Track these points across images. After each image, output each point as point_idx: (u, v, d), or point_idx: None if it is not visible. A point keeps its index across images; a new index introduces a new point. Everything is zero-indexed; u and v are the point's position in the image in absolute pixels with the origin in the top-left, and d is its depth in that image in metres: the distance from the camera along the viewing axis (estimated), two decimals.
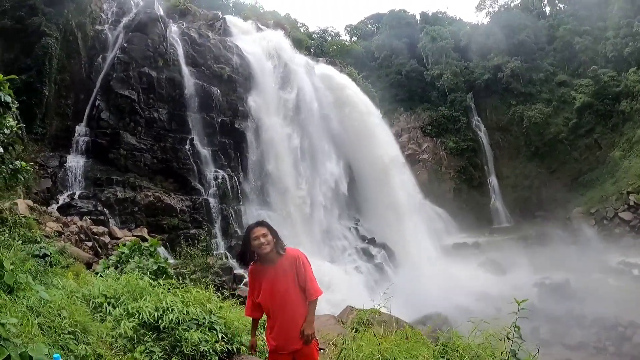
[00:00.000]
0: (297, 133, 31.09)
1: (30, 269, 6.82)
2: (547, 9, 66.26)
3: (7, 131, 6.63)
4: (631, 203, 39.07)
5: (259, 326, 7.14)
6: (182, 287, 7.44)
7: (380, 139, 38.30)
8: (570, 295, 25.47)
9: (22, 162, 7.50)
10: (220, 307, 7.17)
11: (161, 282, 7.63)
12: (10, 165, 7.02)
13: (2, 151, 6.71)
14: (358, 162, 36.30)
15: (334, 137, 34.33)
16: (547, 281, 27.84)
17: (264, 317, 4.68)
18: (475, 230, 46.16)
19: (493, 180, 54.68)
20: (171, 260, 18.93)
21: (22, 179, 7.56)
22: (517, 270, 30.96)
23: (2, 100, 6.26)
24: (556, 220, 43.77)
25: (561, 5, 64.38)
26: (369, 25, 76.58)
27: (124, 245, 10.87)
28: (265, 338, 4.80)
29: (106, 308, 6.33)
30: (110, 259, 10.25)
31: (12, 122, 6.77)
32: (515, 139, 54.98)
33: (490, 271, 31.76)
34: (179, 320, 6.17)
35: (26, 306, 4.93)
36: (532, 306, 22.03)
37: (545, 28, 60.27)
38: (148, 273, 8.73)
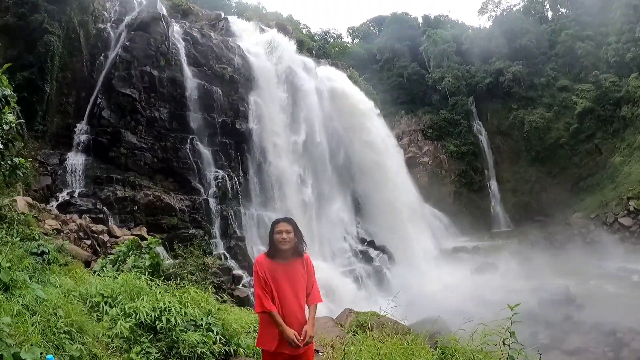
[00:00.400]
0: (308, 177, 30.51)
1: (27, 267, 6.78)
2: (550, 14, 66.28)
3: (6, 127, 6.58)
4: (631, 209, 38.96)
5: (251, 330, 7.07)
6: (180, 288, 7.40)
7: (397, 183, 37.88)
8: (569, 300, 25.35)
9: (21, 159, 7.46)
10: (219, 308, 7.13)
11: (159, 282, 7.59)
12: (9, 162, 6.97)
13: (2, 147, 6.66)
14: (367, 199, 35.84)
15: (341, 173, 34.01)
16: (547, 286, 27.74)
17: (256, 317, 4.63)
18: (475, 234, 46.09)
19: (493, 184, 54.63)
20: (169, 260, 18.91)
21: (21, 175, 7.52)
22: (517, 275, 30.87)
23: (2, 94, 6.21)
24: (556, 225, 43.71)
25: (563, 10, 64.39)
26: (371, 28, 76.73)
27: (123, 243, 10.84)
28: (257, 337, 4.72)
29: (103, 307, 6.29)
30: (109, 257, 10.21)
31: (12, 118, 6.72)
32: (516, 143, 54.96)
33: (490, 275, 31.68)
34: (176, 321, 6.12)
35: (22, 304, 4.89)
36: (531, 311, 22.09)
37: (547, 33, 60.31)
38: (145, 272, 8.70)
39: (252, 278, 4.64)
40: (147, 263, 9.10)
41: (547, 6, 66.97)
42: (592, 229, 40.20)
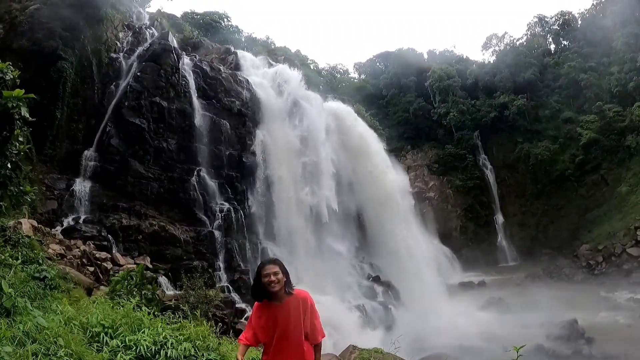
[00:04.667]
0: (314, 211, 30.30)
1: (29, 291, 6.72)
2: (552, 47, 67.37)
3: (15, 151, 6.62)
4: (639, 238, 38.46)
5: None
6: (182, 321, 7.32)
7: (403, 217, 37.74)
8: (578, 334, 24.74)
9: (28, 186, 7.47)
10: (219, 343, 7.03)
11: (160, 314, 7.51)
12: (16, 189, 6.97)
13: (10, 174, 6.66)
14: (373, 234, 35.91)
15: (347, 208, 34.04)
16: (555, 320, 27.15)
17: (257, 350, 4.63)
18: (482, 269, 45.58)
19: (499, 218, 54.34)
20: (172, 291, 18.73)
21: (28, 199, 7.53)
22: (524, 309, 30.25)
23: (22, 115, 6.24)
24: (564, 258, 43.24)
25: (566, 43, 65.43)
26: (378, 64, 77.91)
27: (125, 272, 10.74)
28: None
29: (103, 338, 6.17)
30: (113, 286, 10.11)
31: (21, 140, 6.76)
32: (522, 176, 54.95)
33: (497, 310, 31.07)
34: (176, 356, 6.02)
35: (22, 331, 4.82)
36: (539, 346, 21.51)
37: (550, 66, 61.19)
38: (148, 303, 8.60)
39: None
40: (149, 295, 9.00)
41: (550, 39, 68.16)
42: (600, 260, 39.65)
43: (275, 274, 4.36)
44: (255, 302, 4.55)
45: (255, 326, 4.47)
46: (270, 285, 4.32)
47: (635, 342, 22.55)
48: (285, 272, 4.47)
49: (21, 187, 7.34)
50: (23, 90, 6.47)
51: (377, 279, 32.15)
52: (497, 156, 57.85)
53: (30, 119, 6.63)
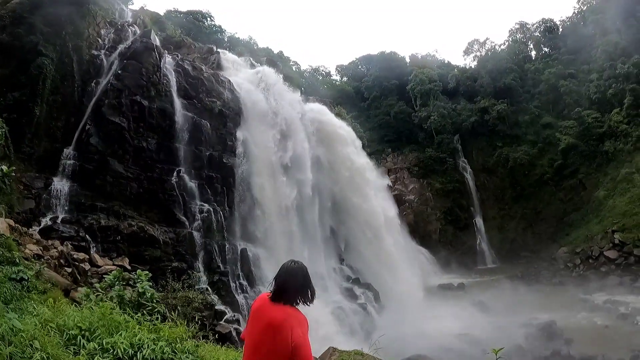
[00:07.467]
0: (293, 213, 30.20)
1: (4, 293, 6.59)
2: (533, 53, 68.71)
3: None
4: (616, 241, 39.40)
5: None
6: (160, 323, 7.26)
7: (383, 219, 38.05)
8: (556, 335, 25.25)
9: (4, 167, 7.31)
10: (197, 345, 7.01)
11: (139, 317, 7.44)
12: None
13: None
14: (353, 236, 36.03)
15: (327, 209, 34.06)
16: (534, 322, 27.66)
17: None
18: (461, 271, 46.07)
19: (479, 221, 55.01)
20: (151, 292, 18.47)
21: (7, 187, 7.37)
22: (503, 311, 30.75)
23: None
24: (542, 261, 44.06)
25: (546, 49, 66.77)
26: (360, 66, 78.36)
27: (110, 273, 10.57)
28: None
29: (80, 341, 6.09)
30: (94, 287, 9.96)
31: None
32: (501, 180, 55.81)
33: (476, 312, 31.48)
34: (153, 358, 5.97)
35: None
36: (518, 347, 21.87)
37: (531, 72, 62.39)
38: (128, 305, 8.51)
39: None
40: (139, 299, 8.89)
41: (531, 46, 69.54)
42: (578, 262, 40.53)
43: None
44: (299, 310, 3.98)
45: None
46: None
47: (612, 343, 23.16)
48: None
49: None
50: None
51: (357, 281, 32.29)
52: (477, 160, 58.65)
53: None
